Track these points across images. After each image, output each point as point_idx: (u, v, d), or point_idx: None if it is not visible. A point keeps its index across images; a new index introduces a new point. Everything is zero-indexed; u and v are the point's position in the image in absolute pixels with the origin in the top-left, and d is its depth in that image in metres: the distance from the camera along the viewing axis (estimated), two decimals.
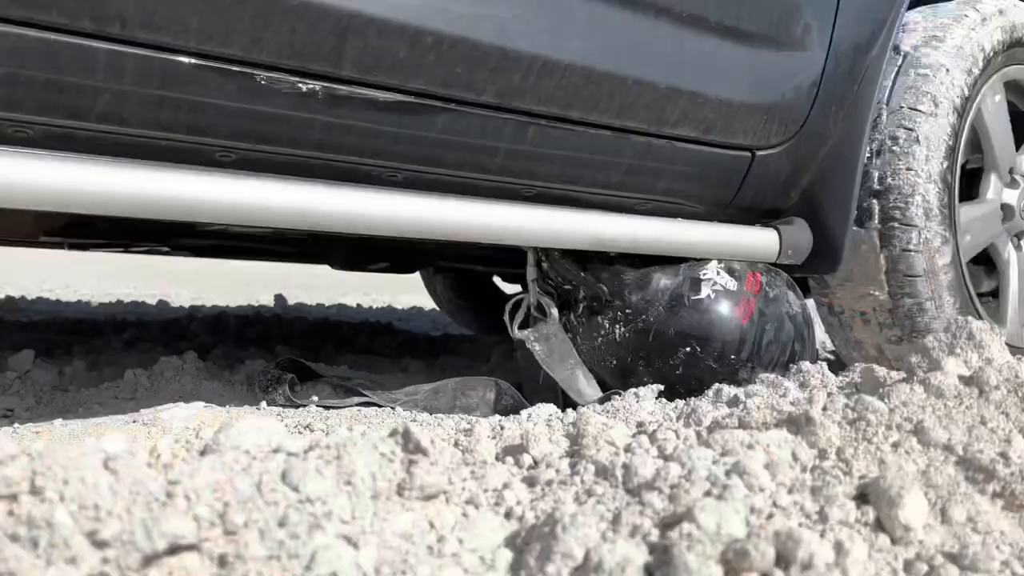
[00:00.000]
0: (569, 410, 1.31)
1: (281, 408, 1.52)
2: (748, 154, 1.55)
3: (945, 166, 1.68)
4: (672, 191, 1.53)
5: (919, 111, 1.67)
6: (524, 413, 1.25)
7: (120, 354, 2.14)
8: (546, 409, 1.28)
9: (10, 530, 0.58)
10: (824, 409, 0.95)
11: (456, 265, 2.95)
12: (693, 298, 1.50)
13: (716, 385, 1.34)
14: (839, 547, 0.67)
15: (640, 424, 1.09)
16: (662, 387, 1.39)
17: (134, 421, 1.33)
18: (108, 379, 1.72)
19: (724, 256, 1.56)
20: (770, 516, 0.73)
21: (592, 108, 1.31)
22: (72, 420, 1.38)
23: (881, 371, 1.11)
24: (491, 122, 1.24)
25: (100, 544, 0.59)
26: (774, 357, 1.55)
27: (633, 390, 1.37)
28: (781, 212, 1.70)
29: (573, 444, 0.97)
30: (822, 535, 0.71)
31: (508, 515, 0.80)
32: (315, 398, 1.54)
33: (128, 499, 0.62)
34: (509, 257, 2.55)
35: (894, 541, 0.72)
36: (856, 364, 1.25)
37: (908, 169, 1.65)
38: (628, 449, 0.92)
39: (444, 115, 1.19)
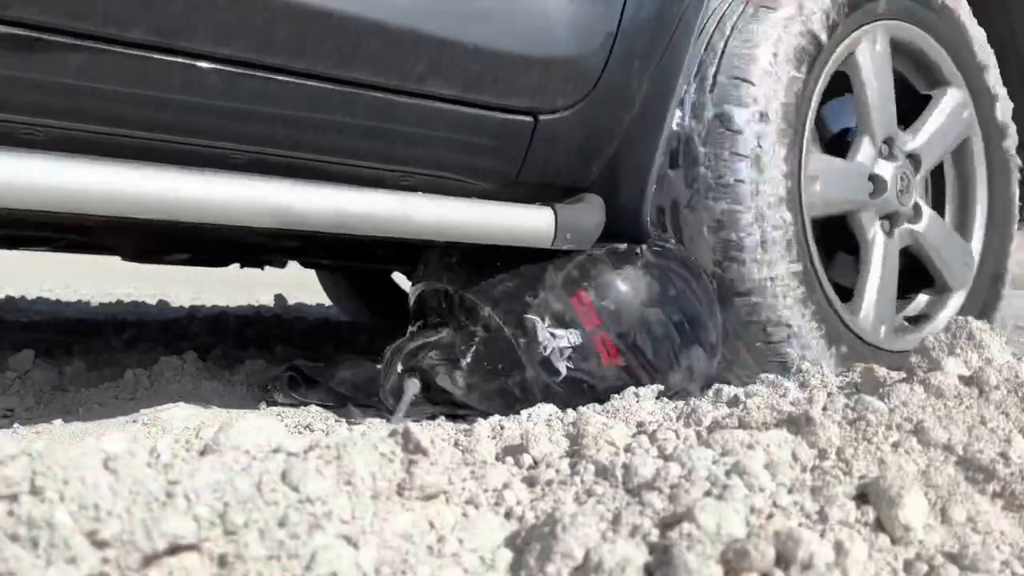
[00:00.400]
0: (569, 410, 1.31)
1: (281, 408, 1.52)
2: (529, 118, 1.28)
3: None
4: (437, 162, 1.27)
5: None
6: (524, 413, 1.25)
7: (120, 354, 2.14)
8: (546, 409, 1.28)
9: (10, 530, 0.58)
10: (824, 409, 0.95)
11: (296, 259, 2.64)
12: (559, 381, 1.32)
13: (716, 385, 1.34)
14: (839, 547, 0.67)
15: (640, 424, 1.09)
16: (662, 387, 1.39)
17: (134, 421, 1.33)
18: (108, 379, 1.72)
19: (479, 240, 1.29)
20: (770, 516, 0.73)
21: (297, 53, 1.06)
22: (72, 420, 1.38)
23: (881, 371, 1.11)
24: (144, 66, 0.98)
25: (100, 544, 0.59)
26: (671, 354, 1.36)
27: (632, 390, 1.37)
28: (586, 189, 1.45)
29: (573, 444, 0.97)
30: (822, 535, 0.71)
31: (508, 515, 0.80)
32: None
33: (128, 499, 0.62)
34: (357, 251, 2.25)
35: (894, 541, 0.72)
36: (856, 365, 1.25)
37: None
38: (628, 449, 0.92)
39: (73, 54, 0.93)
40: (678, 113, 1.49)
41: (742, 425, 0.96)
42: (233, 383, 1.71)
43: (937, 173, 1.96)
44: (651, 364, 1.35)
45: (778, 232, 1.48)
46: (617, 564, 0.65)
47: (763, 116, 1.47)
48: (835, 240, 1.77)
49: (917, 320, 1.91)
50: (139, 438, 1.22)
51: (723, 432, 0.88)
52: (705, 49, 1.52)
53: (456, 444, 0.98)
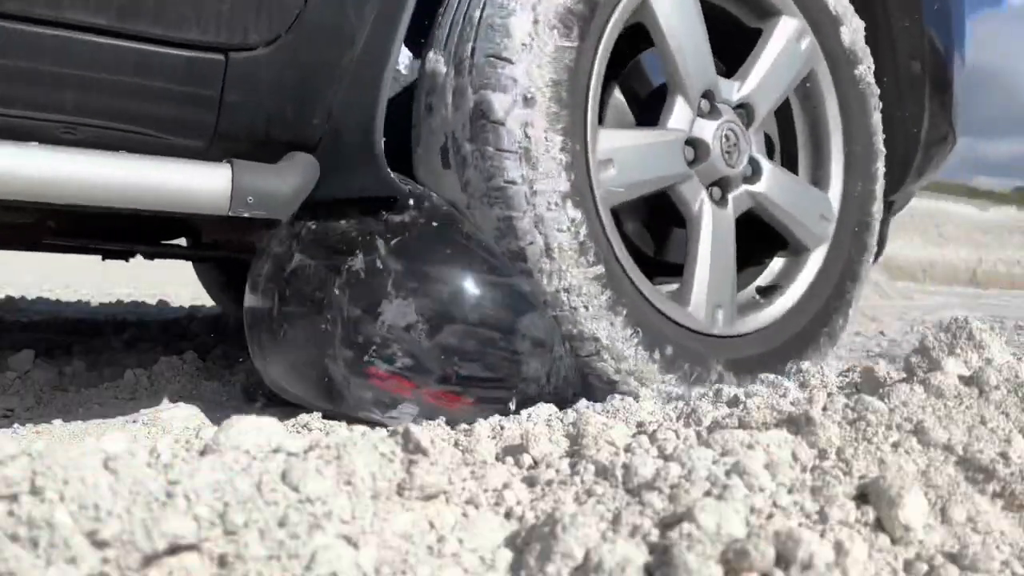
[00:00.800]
0: (569, 410, 1.31)
1: (280, 408, 1.52)
2: (219, 56, 1.09)
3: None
4: (103, 111, 1.06)
5: None
6: (524, 413, 1.25)
7: (120, 354, 2.14)
8: (546, 409, 1.28)
9: (10, 530, 0.58)
10: (824, 409, 0.95)
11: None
12: None
13: (716, 385, 1.34)
14: (839, 547, 0.67)
15: (640, 424, 1.09)
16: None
17: (134, 421, 1.33)
18: (108, 379, 1.73)
19: (131, 204, 1.07)
20: (770, 516, 0.73)
21: None
22: (72, 420, 1.38)
23: (881, 371, 1.11)
24: None
25: (100, 544, 0.59)
26: (505, 354, 1.19)
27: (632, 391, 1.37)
28: (315, 147, 1.22)
29: (573, 444, 0.97)
30: (822, 535, 0.71)
31: (508, 515, 0.80)
32: None
33: (128, 499, 0.62)
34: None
35: (894, 541, 0.72)
36: (856, 364, 1.25)
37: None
38: (628, 449, 0.92)
39: None
40: (445, 101, 1.27)
41: (742, 425, 0.96)
42: (233, 383, 1.71)
43: (788, 118, 1.74)
44: (495, 380, 1.18)
45: (565, 235, 1.27)
46: (617, 564, 0.65)
47: (527, 100, 1.24)
48: (669, 213, 1.55)
49: (772, 290, 1.69)
50: (139, 438, 1.22)
51: (723, 432, 0.88)
52: (463, 20, 1.29)
53: (456, 444, 0.98)
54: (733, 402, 1.19)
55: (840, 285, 1.72)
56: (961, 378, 0.97)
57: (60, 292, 5.02)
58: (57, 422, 1.34)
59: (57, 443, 1.22)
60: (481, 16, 1.28)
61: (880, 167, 1.79)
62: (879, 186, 1.79)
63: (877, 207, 1.79)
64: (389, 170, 1.20)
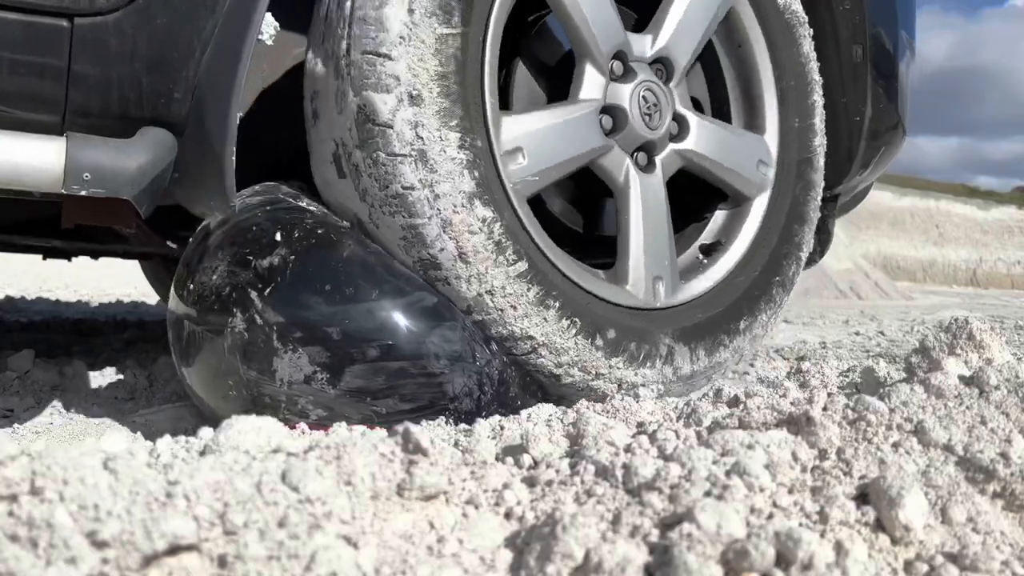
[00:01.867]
0: (569, 410, 1.31)
1: None
2: (63, 22, 1.01)
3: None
4: None
5: None
6: (524, 413, 1.25)
7: (120, 354, 2.14)
8: (546, 409, 1.28)
9: (10, 530, 0.58)
10: (824, 409, 0.95)
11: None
12: None
13: (716, 385, 1.34)
14: (839, 547, 0.67)
15: (640, 424, 1.09)
16: (662, 388, 1.38)
17: (134, 421, 1.33)
18: (108, 379, 1.73)
19: None
20: (770, 516, 0.73)
21: None
22: (72, 420, 1.38)
23: (881, 371, 1.11)
24: None
25: (100, 544, 0.59)
26: (412, 366, 1.11)
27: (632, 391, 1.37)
28: (183, 125, 1.11)
29: (573, 444, 0.97)
30: (822, 535, 0.71)
31: (508, 515, 0.80)
32: None
33: (128, 499, 0.62)
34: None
35: (894, 541, 0.72)
36: (856, 364, 1.25)
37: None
38: (628, 449, 0.92)
39: None
40: (329, 105, 1.19)
41: (742, 425, 0.96)
42: None
43: (714, 63, 1.65)
44: (420, 409, 1.10)
45: (478, 237, 1.19)
46: (617, 564, 0.65)
47: (414, 98, 1.16)
48: (597, 185, 1.46)
49: (715, 248, 1.60)
50: (139, 438, 1.22)
51: (723, 432, 0.88)
52: (336, 13, 1.20)
53: (456, 444, 0.98)
54: (733, 402, 1.20)
55: (787, 229, 1.63)
56: (961, 378, 0.97)
57: (60, 292, 5.02)
58: (57, 422, 1.34)
59: (57, 443, 1.22)
60: (352, 8, 1.17)
61: (818, 99, 1.69)
62: (819, 119, 1.70)
63: (819, 141, 1.70)
64: (223, 171, 1.11)
